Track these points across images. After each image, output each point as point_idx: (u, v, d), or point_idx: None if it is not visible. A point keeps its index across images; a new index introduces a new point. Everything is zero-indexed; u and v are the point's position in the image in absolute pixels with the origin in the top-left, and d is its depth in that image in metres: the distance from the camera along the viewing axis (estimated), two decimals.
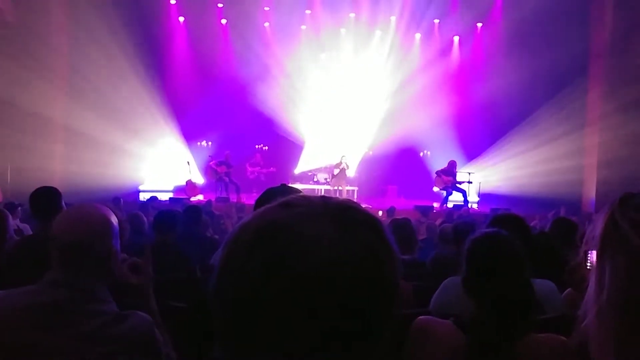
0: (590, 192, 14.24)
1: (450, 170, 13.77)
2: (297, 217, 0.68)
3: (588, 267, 1.08)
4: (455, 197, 13.94)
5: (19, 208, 6.47)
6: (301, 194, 0.79)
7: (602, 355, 1.00)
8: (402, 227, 4.05)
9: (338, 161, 14.58)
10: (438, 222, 8.49)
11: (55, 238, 1.65)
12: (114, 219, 1.73)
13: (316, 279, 0.64)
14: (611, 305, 0.99)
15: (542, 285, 2.51)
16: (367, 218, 0.72)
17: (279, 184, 2.11)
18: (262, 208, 0.73)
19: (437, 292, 2.75)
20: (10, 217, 3.19)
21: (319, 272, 0.64)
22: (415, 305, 3.04)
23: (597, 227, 1.06)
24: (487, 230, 1.89)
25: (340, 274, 0.65)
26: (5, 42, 11.71)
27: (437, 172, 14.07)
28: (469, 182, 13.92)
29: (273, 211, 0.71)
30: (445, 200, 13.81)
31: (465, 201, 13.58)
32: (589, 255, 1.09)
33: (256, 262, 0.66)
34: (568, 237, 4.15)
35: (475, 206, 14.26)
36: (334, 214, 0.70)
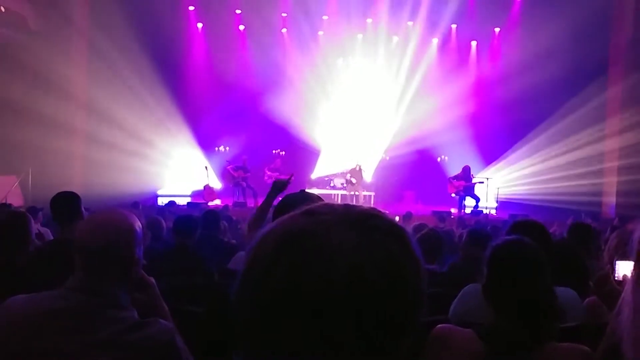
0: (610, 197, 14.05)
1: (464, 176, 13.68)
2: (320, 226, 0.68)
3: (617, 279, 1.11)
4: (471, 203, 13.88)
5: (40, 212, 6.57)
6: (323, 202, 0.79)
7: (636, 353, 1.01)
8: (429, 237, 4.00)
9: (353, 166, 14.63)
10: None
11: (80, 243, 1.66)
12: (139, 226, 1.73)
13: (339, 287, 0.64)
14: None
15: (564, 293, 2.47)
16: (391, 226, 0.72)
17: (298, 190, 2.10)
18: (285, 216, 0.73)
19: (456, 299, 2.72)
20: (32, 221, 3.23)
21: (342, 281, 0.64)
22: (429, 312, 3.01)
23: (636, 232, 1.08)
24: (509, 237, 1.87)
25: (363, 283, 0.65)
26: (27, 48, 11.92)
27: (449, 178, 14.06)
28: (481, 182, 13.83)
29: (296, 219, 0.71)
30: (461, 205, 13.74)
31: (476, 206, 13.52)
32: (616, 265, 1.12)
33: (279, 270, 0.66)
34: (586, 242, 4.05)
35: (493, 212, 14.15)
36: (357, 222, 0.69)
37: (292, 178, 2.78)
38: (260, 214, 2.93)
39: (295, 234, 0.68)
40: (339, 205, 0.74)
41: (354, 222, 0.69)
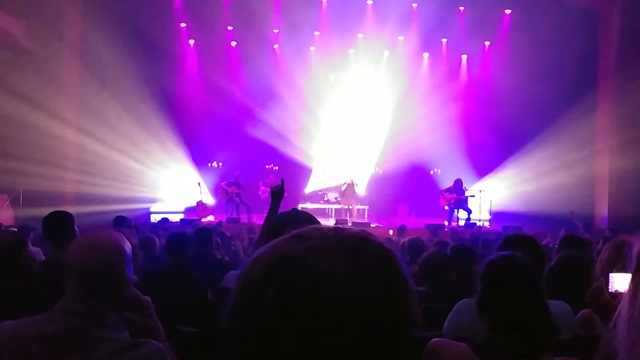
0: (602, 208, 14.12)
1: (456, 189, 13.74)
2: (310, 250, 0.68)
3: (611, 291, 1.12)
4: (463, 215, 13.95)
5: (32, 232, 6.53)
6: (313, 223, 0.79)
7: None
8: (436, 258, 3.96)
9: (346, 180, 14.65)
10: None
11: (69, 265, 1.65)
12: (128, 246, 1.73)
13: (330, 312, 0.64)
14: None
15: (557, 306, 2.48)
16: (381, 250, 0.72)
17: (290, 209, 2.11)
18: (276, 240, 0.73)
19: (450, 314, 2.72)
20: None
21: (332, 306, 0.64)
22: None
23: (636, 246, 1.11)
24: (502, 252, 1.88)
25: (354, 308, 0.65)
26: (18, 66, 11.89)
27: (441, 191, 14.15)
28: (472, 196, 13.92)
29: (286, 244, 0.71)
30: (450, 218, 13.77)
31: (468, 219, 13.59)
32: (610, 278, 1.13)
33: (270, 296, 0.66)
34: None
35: (487, 224, 14.19)
36: (347, 246, 0.70)
37: (284, 182, 2.80)
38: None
39: (285, 260, 0.68)
40: (329, 228, 0.74)
41: (344, 247, 0.69)
